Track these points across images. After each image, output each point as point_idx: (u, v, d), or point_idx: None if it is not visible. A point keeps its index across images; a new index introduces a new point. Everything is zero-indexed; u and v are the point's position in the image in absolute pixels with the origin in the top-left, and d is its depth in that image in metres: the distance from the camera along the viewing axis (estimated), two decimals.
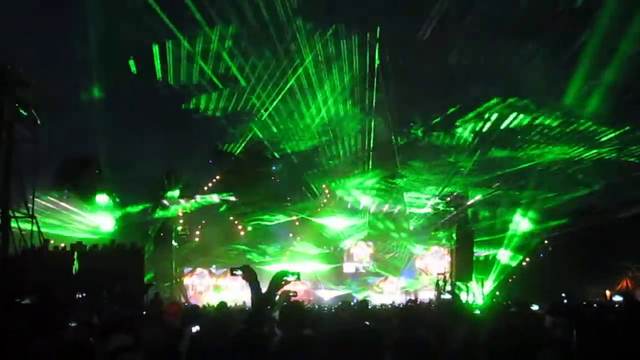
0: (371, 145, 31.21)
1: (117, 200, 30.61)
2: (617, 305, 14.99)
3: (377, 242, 36.66)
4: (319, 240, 35.87)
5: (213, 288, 33.60)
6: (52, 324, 6.34)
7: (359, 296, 32.41)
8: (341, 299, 29.40)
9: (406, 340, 4.49)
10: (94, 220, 29.18)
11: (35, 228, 19.58)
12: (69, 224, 27.36)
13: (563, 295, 21.37)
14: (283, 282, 5.08)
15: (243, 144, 32.60)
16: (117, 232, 29.29)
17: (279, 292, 5.22)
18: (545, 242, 32.80)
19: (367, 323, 7.34)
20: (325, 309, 18.12)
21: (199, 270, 34.38)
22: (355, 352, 3.40)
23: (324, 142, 31.77)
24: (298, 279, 5.30)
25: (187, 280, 33.58)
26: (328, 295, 33.45)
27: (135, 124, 28.23)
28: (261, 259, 32.96)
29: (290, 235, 35.97)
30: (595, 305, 14.58)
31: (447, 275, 29.82)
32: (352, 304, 16.51)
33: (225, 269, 33.31)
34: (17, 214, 19.10)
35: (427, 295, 31.14)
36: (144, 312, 13.05)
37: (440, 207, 32.63)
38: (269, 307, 5.03)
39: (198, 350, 5.37)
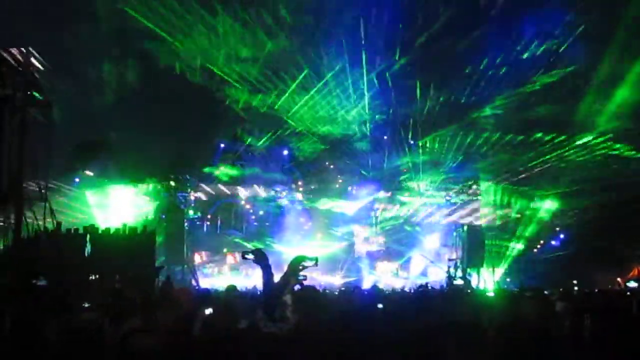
0: None
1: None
2: (628, 293, 14.99)
3: (387, 227, 36.58)
4: (330, 226, 35.91)
5: (227, 269, 33.76)
6: (66, 306, 6.38)
7: (369, 280, 32.51)
8: (351, 283, 29.48)
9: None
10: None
11: (48, 210, 19.67)
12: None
13: (574, 282, 21.37)
14: (301, 267, 5.09)
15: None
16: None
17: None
18: (557, 229, 32.74)
19: (380, 306, 7.35)
20: (337, 293, 18.12)
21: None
22: (369, 334, 3.40)
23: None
24: (316, 264, 5.30)
25: (199, 261, 33.77)
26: (338, 280, 33.45)
27: (148, 106, 28.09)
28: (273, 243, 32.95)
29: (301, 220, 35.98)
30: (607, 292, 14.53)
31: (458, 261, 29.80)
32: (363, 288, 16.53)
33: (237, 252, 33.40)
34: (30, 196, 19.19)
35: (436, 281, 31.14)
36: (156, 296, 13.12)
37: (453, 194, 32.70)
38: (281, 291, 5.03)
39: (211, 334, 5.39)
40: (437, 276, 31.95)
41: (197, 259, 33.56)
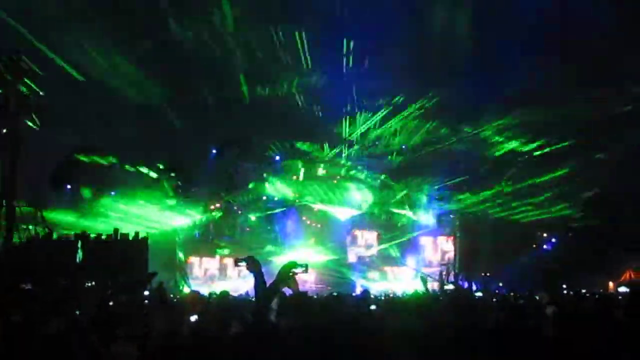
0: None
1: None
2: (620, 297, 15.04)
3: (380, 230, 36.58)
4: (322, 228, 35.98)
5: (219, 274, 33.71)
6: (57, 311, 6.39)
7: (361, 283, 32.61)
8: (342, 288, 29.44)
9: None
10: None
11: (39, 217, 19.69)
12: None
13: (564, 286, 21.44)
14: (291, 274, 5.11)
15: None
16: None
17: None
18: (548, 234, 32.90)
19: (374, 307, 7.38)
20: (330, 297, 18.11)
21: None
22: (360, 335, 3.43)
23: None
24: (306, 270, 5.32)
25: (194, 262, 33.81)
26: (329, 284, 33.39)
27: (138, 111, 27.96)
28: (266, 248, 32.92)
29: (295, 224, 35.96)
30: (597, 295, 14.56)
31: (450, 266, 29.87)
32: (353, 294, 16.50)
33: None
34: (21, 202, 19.19)
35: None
36: (147, 302, 13.07)
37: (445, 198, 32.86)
38: (271, 297, 5.06)
39: (200, 339, 5.41)
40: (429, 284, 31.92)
41: (191, 264, 33.62)
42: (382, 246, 36.08)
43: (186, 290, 27.31)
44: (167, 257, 28.91)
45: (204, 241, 35.02)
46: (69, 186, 29.81)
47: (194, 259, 34.15)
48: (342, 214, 35.85)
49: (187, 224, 34.09)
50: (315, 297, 14.00)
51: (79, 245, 19.52)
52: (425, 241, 35.41)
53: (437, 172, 32.37)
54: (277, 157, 35.54)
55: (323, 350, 4.47)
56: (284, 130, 32.87)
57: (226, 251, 33.75)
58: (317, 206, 35.98)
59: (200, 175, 34.34)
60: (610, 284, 27.40)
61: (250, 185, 35.20)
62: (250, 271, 5.17)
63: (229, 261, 32.93)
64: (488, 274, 29.90)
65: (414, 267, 34.08)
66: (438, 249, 34.54)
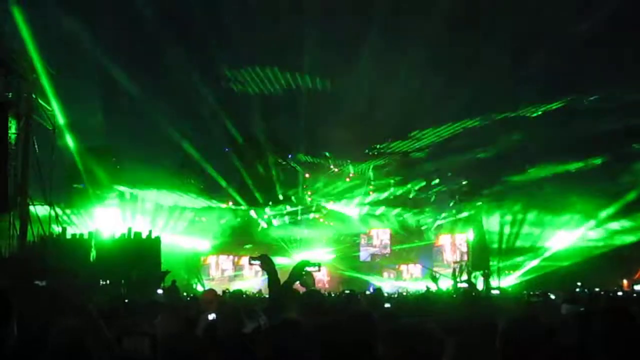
0: None
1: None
2: (635, 295, 14.91)
3: (394, 229, 36.51)
4: (336, 227, 35.94)
5: (235, 272, 33.80)
6: (70, 308, 6.38)
7: (374, 282, 32.52)
8: (356, 286, 29.41)
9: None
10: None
11: (53, 214, 19.72)
12: None
13: (578, 284, 21.28)
14: (304, 272, 5.08)
15: None
16: None
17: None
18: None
19: (388, 305, 7.35)
20: (343, 295, 18.08)
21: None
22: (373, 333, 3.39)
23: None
24: (319, 269, 5.30)
25: (211, 261, 33.86)
26: (342, 282, 33.36)
27: (151, 112, 28.02)
28: (280, 247, 32.91)
29: (308, 222, 35.96)
30: (613, 295, 14.44)
31: (464, 263, 29.73)
32: (367, 292, 16.44)
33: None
34: (35, 201, 19.21)
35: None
36: (160, 300, 13.09)
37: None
38: (284, 296, 5.03)
39: (214, 339, 5.37)
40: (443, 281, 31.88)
41: (208, 264, 33.71)
42: (397, 245, 36.05)
43: (200, 288, 27.31)
44: (183, 256, 28.92)
45: (220, 240, 35.08)
46: (82, 185, 29.88)
47: (211, 258, 34.20)
48: (355, 213, 35.79)
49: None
50: (328, 295, 13.98)
51: (93, 243, 19.56)
52: (443, 240, 35.32)
53: (457, 173, 32.36)
54: (290, 156, 35.58)
55: (334, 348, 4.44)
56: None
57: (242, 250, 33.78)
58: (330, 205, 35.96)
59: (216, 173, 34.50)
60: (625, 281, 27.17)
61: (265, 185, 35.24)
62: (264, 269, 5.15)
63: (245, 260, 32.96)
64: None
65: (428, 266, 33.96)
66: (456, 248, 34.42)
